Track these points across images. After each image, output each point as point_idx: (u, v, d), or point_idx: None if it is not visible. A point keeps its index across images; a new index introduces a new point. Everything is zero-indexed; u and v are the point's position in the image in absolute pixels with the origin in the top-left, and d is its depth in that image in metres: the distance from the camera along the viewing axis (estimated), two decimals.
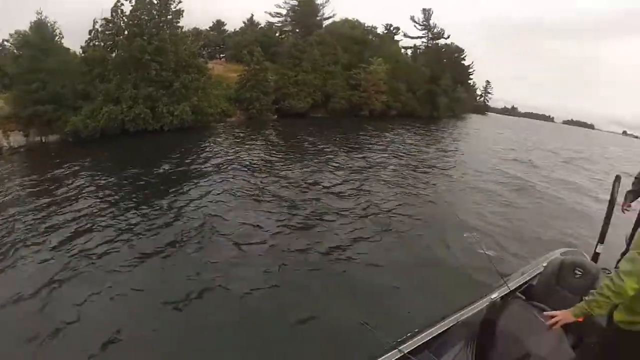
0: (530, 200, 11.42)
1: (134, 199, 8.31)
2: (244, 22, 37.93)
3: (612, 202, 3.54)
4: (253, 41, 27.28)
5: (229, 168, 10.48)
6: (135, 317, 4.50)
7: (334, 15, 38.16)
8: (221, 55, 37.78)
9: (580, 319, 2.08)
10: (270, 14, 37.63)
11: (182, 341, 4.20)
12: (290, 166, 11.28)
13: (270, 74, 23.20)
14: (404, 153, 15.94)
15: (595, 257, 3.68)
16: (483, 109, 68.07)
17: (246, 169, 10.46)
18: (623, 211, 3.41)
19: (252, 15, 37.94)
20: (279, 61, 26.38)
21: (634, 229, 3.01)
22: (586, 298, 2.04)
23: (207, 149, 12.41)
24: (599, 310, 1.99)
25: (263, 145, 13.63)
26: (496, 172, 14.80)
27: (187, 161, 10.91)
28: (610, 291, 1.90)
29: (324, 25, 36.33)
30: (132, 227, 6.86)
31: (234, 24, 56.39)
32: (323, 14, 37.41)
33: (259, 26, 36.63)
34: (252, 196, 8.68)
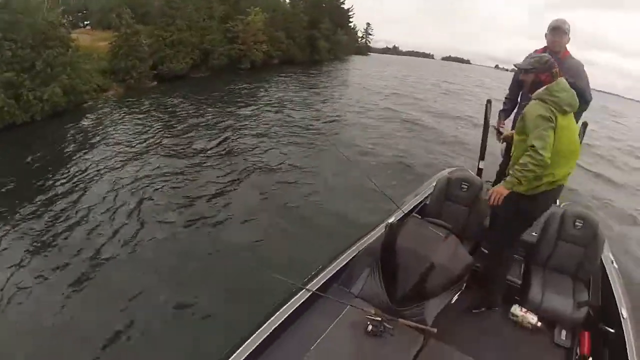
0: (417, 130, 12.03)
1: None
2: None
3: (486, 123, 3.96)
4: (120, 2, 25.24)
5: (107, 149, 9.67)
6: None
7: None
8: (86, 22, 33.54)
9: (504, 195, 2.44)
10: None
11: None
12: (172, 133, 10.99)
13: (143, 37, 22.03)
14: (287, 100, 16.33)
15: (479, 172, 4.16)
16: (365, 50, 71.53)
17: (126, 145, 9.96)
18: (499, 129, 3.62)
19: None
20: (151, 22, 24.98)
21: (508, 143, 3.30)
22: (512, 173, 2.39)
23: (84, 133, 11.51)
24: (526, 182, 2.36)
25: (143, 116, 13.33)
26: (380, 108, 15.39)
27: (61, 152, 9.81)
28: (534, 165, 2.26)
29: None
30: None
31: None
32: None
33: None
34: (133, 174, 8.07)
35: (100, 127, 12.20)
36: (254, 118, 12.87)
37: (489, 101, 3.94)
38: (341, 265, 2.72)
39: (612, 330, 2.50)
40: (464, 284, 2.76)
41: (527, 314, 2.74)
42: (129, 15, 20.98)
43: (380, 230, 3.04)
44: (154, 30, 24.06)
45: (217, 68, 26.69)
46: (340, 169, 7.97)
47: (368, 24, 77.49)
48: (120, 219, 6.27)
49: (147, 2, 28.72)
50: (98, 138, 10.91)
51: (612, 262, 3.17)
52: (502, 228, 2.76)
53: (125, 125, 12.32)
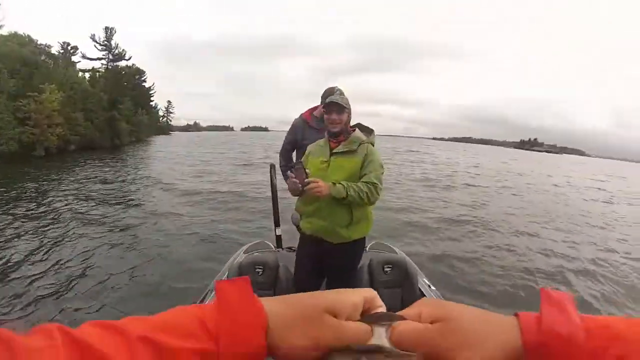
0: (215, 219, 11.43)
1: None
2: None
3: (273, 188, 3.85)
4: None
5: None
6: None
7: (1, 26, 34.43)
8: None
9: (324, 195, 2.25)
10: None
11: None
12: None
13: None
14: (83, 198, 14.68)
15: (278, 239, 4.10)
16: (166, 129, 74.92)
17: None
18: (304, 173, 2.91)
19: None
20: None
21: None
22: (345, 186, 2.29)
23: None
24: (352, 202, 2.32)
25: None
26: (176, 203, 13.75)
27: None
28: (367, 199, 2.31)
29: None
30: None
31: None
32: None
33: None
34: None
35: None
36: (47, 223, 10.86)
37: (272, 165, 3.95)
38: None
39: None
40: None
41: None
42: None
43: None
44: None
45: (6, 155, 24.97)
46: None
47: (169, 101, 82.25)
48: None
49: None
50: None
51: (430, 287, 3.29)
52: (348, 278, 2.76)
53: None
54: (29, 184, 18.15)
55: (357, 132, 2.54)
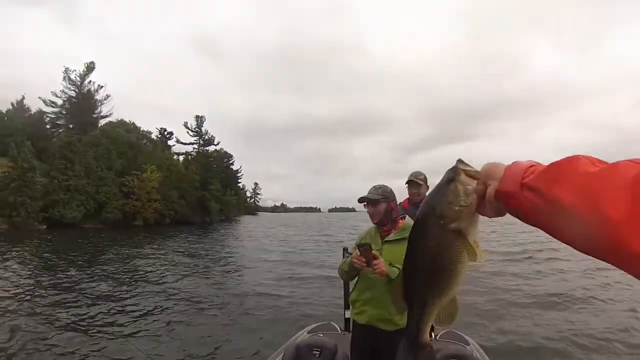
0: (296, 287, 11.61)
1: None
2: (12, 104, 36.74)
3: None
4: (21, 131, 27.50)
5: None
6: None
7: (110, 114, 40.98)
8: None
9: (383, 274, 2.37)
10: (44, 101, 36.49)
11: None
12: (56, 299, 9.14)
13: (39, 175, 23.46)
14: (169, 266, 15.58)
15: (347, 322, 4.13)
16: (254, 209, 79.79)
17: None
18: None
19: (24, 97, 37.27)
20: (48, 160, 26.80)
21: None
22: (400, 268, 1.99)
23: None
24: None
25: (28, 268, 12.36)
26: (260, 273, 14.68)
27: None
28: None
29: (99, 125, 38.48)
30: None
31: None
32: (100, 111, 39.81)
33: (29, 113, 36.04)
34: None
35: None
36: (149, 287, 11.61)
37: (344, 249, 4.13)
38: None
39: None
40: None
41: None
42: (29, 149, 22.27)
43: None
44: (51, 170, 25.41)
45: (111, 222, 28.48)
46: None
47: (256, 183, 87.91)
48: None
49: (47, 137, 30.21)
50: None
51: None
52: None
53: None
54: (126, 248, 19.90)
55: (408, 219, 2.73)
